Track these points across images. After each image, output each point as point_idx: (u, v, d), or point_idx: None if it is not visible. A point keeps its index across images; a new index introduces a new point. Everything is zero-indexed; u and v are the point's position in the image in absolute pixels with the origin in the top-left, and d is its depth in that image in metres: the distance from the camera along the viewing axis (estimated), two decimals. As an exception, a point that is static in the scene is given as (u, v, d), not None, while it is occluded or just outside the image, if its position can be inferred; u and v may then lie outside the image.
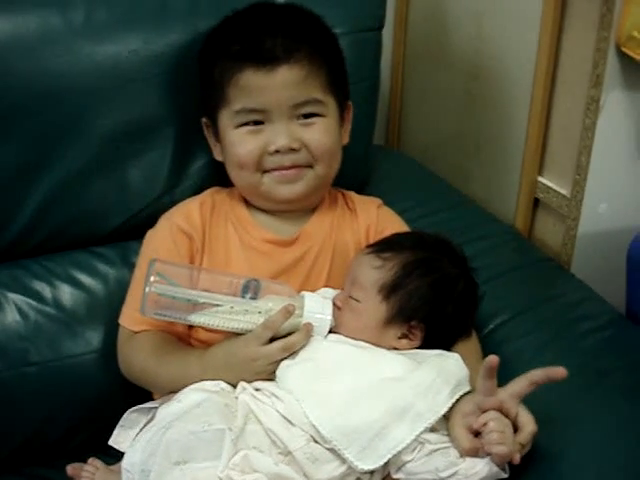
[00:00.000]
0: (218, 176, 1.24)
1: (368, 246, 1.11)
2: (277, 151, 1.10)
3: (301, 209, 1.19)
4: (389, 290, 1.03)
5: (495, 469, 0.93)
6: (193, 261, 1.15)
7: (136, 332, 1.12)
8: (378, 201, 1.27)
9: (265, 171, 1.12)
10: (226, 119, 1.12)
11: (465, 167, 1.62)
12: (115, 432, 1.12)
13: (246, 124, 1.11)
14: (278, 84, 1.08)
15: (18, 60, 1.15)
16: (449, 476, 0.94)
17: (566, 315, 1.20)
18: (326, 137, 1.12)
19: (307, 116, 1.11)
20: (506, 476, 0.95)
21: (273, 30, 1.10)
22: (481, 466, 0.93)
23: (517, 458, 0.92)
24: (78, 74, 1.18)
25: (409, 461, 0.96)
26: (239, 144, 1.12)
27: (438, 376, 0.98)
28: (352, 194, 1.27)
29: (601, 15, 1.20)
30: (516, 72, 1.42)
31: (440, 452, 0.95)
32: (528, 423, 0.94)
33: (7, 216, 1.22)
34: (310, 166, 1.13)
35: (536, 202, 1.43)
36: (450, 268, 1.06)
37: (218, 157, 1.19)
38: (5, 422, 1.20)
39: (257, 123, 1.11)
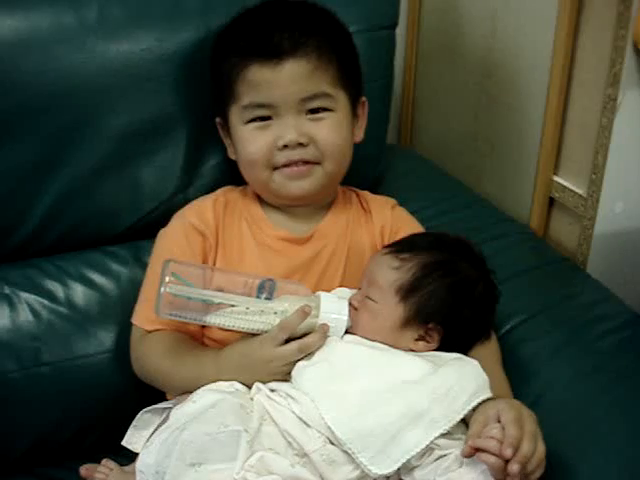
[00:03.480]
0: (231, 175, 1.23)
1: (386, 246, 1.10)
2: (285, 146, 1.09)
3: (313, 207, 1.18)
4: (407, 291, 1.02)
5: None
6: (206, 259, 1.14)
7: (149, 331, 1.11)
8: (392, 201, 1.26)
9: (275, 168, 1.12)
10: (235, 115, 1.12)
11: (479, 166, 1.61)
12: (128, 433, 1.11)
13: (254, 120, 1.10)
14: (285, 78, 1.07)
15: (31, 58, 1.15)
16: None
17: (583, 316, 1.19)
18: (335, 133, 1.11)
19: (316, 111, 1.10)
20: None
21: (281, 25, 1.09)
22: (475, 475, 0.92)
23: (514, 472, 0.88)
24: (91, 72, 1.18)
25: (417, 466, 0.95)
26: (248, 141, 1.11)
27: (456, 382, 0.96)
28: (366, 194, 1.26)
29: (618, 13, 1.19)
30: (532, 70, 1.41)
31: (446, 462, 0.94)
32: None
33: (20, 216, 1.21)
34: (319, 163, 1.12)
35: (551, 202, 1.42)
36: (469, 270, 1.05)
37: (232, 155, 1.19)
38: (17, 422, 1.20)
39: (265, 119, 1.10)
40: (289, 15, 1.12)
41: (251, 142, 1.11)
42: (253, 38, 1.09)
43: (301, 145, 1.09)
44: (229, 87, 1.11)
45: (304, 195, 1.14)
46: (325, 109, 1.11)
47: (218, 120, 1.19)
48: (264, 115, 1.10)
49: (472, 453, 0.91)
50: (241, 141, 1.12)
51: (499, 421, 0.91)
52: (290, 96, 1.08)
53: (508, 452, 0.88)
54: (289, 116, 1.09)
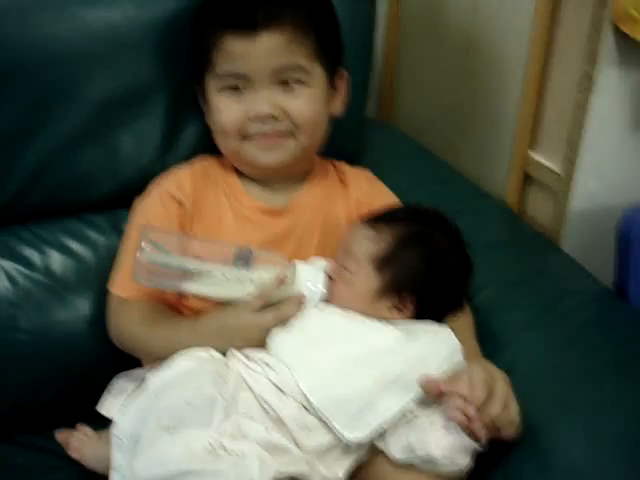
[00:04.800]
0: (210, 144, 1.23)
1: (362, 217, 1.11)
2: (257, 117, 1.09)
3: (289, 178, 1.19)
4: (382, 261, 1.03)
5: (467, 441, 0.94)
6: (183, 228, 1.15)
7: (126, 299, 1.11)
8: (368, 173, 1.27)
9: (247, 137, 1.12)
10: (211, 84, 1.13)
11: (456, 141, 1.62)
12: (102, 398, 1.13)
13: (229, 89, 1.11)
14: (258, 50, 1.07)
15: (11, 24, 1.14)
16: (423, 454, 0.95)
17: (555, 289, 1.21)
18: (309, 106, 1.11)
19: (289, 83, 1.10)
20: (481, 449, 0.96)
21: None
22: (452, 438, 0.94)
23: (477, 429, 0.92)
24: (71, 39, 1.17)
25: (389, 432, 0.97)
26: (222, 110, 1.12)
27: (428, 348, 0.99)
28: (343, 165, 1.27)
29: (598, -9, 1.20)
30: (510, 46, 1.42)
31: (416, 424, 0.96)
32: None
33: (-4, 181, 1.21)
34: (292, 134, 1.12)
35: (527, 178, 1.43)
36: (444, 242, 1.06)
37: (208, 122, 1.19)
38: (-7, 388, 1.20)
39: (238, 88, 1.10)
40: None
41: (224, 111, 1.11)
42: (229, 9, 1.10)
43: (274, 118, 1.10)
44: (205, 56, 1.12)
45: (274, 165, 1.14)
46: (299, 81, 1.10)
47: (198, 88, 1.18)
48: (237, 85, 1.10)
49: (436, 391, 0.94)
50: (215, 110, 1.13)
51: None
52: (263, 68, 1.08)
53: (470, 411, 0.91)
54: (262, 88, 1.09)
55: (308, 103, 1.11)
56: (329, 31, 1.16)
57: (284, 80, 1.09)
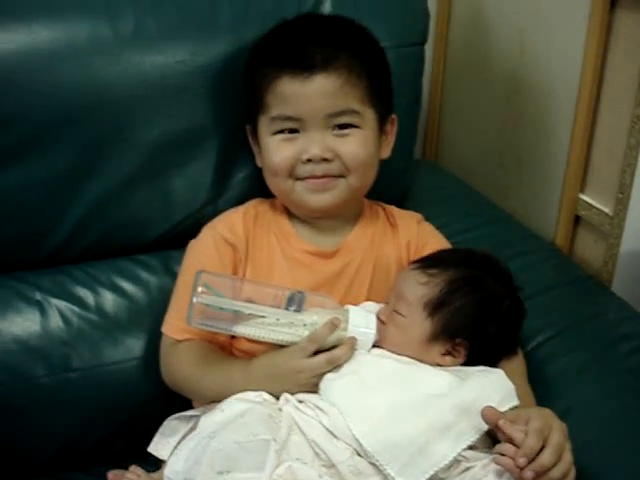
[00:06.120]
0: (260, 187, 1.24)
1: (414, 261, 1.11)
2: (309, 160, 1.10)
3: (339, 220, 1.19)
4: (434, 307, 1.03)
5: None
6: (236, 271, 1.16)
7: (179, 341, 1.12)
8: (418, 216, 1.27)
9: (298, 179, 1.13)
10: (264, 125, 1.13)
11: (504, 182, 1.61)
12: (155, 439, 1.13)
13: (282, 132, 1.12)
14: (314, 93, 1.08)
15: (67, 68, 1.17)
16: None
17: (608, 334, 1.19)
18: (360, 149, 1.12)
19: (342, 127, 1.11)
20: None
21: (314, 38, 1.10)
22: None
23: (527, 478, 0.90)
24: (126, 83, 1.20)
25: (443, 478, 0.96)
26: (274, 151, 1.12)
27: (482, 393, 0.98)
28: (393, 208, 1.27)
29: (649, 33, 1.20)
30: (560, 88, 1.42)
31: (470, 472, 0.95)
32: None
33: (52, 222, 1.23)
34: (342, 176, 1.13)
35: (577, 219, 1.43)
36: (496, 286, 1.06)
37: (259, 163, 1.20)
38: (45, 427, 1.21)
39: (293, 131, 1.11)
40: (323, 29, 1.13)
41: (276, 152, 1.12)
42: (286, 50, 1.11)
43: (325, 160, 1.10)
44: (259, 97, 1.13)
45: (324, 208, 1.14)
46: (351, 125, 1.11)
47: (248, 128, 1.20)
48: (291, 128, 1.11)
49: (494, 422, 0.92)
50: (267, 150, 1.14)
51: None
52: (317, 111, 1.09)
53: (521, 461, 0.89)
54: (316, 130, 1.10)
55: (360, 146, 1.12)
56: (381, 75, 1.17)
57: (337, 124, 1.10)
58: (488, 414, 0.93)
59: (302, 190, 1.13)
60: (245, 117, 1.20)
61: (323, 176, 1.11)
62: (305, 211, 1.17)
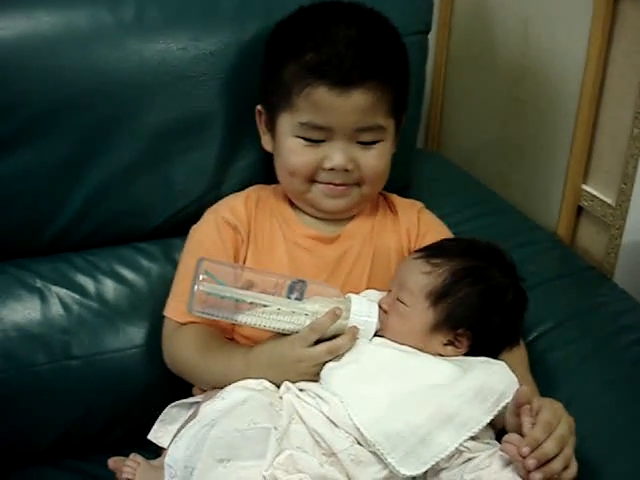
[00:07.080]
0: (263, 174, 1.24)
1: (417, 251, 1.11)
2: (332, 169, 1.11)
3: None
4: (438, 296, 1.03)
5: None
6: (238, 253, 1.16)
7: (182, 324, 1.12)
8: (419, 204, 1.27)
9: (314, 182, 1.14)
10: (287, 123, 1.12)
11: (507, 172, 1.61)
12: (155, 427, 1.13)
13: (307, 137, 1.11)
14: (349, 107, 1.08)
15: (69, 55, 1.17)
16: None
17: (609, 325, 1.19)
18: (379, 161, 1.14)
19: (366, 142, 1.12)
20: None
21: (352, 49, 1.08)
22: (504, 473, 0.93)
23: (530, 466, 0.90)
24: (127, 70, 1.19)
25: (445, 468, 0.96)
26: (295, 153, 1.12)
27: (484, 384, 0.98)
28: (394, 197, 1.27)
29: (653, 23, 1.19)
30: (563, 78, 1.42)
31: (473, 463, 0.95)
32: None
33: (53, 210, 1.23)
34: (358, 184, 1.14)
35: (579, 210, 1.42)
36: (500, 277, 1.05)
37: (266, 146, 1.20)
38: (45, 414, 1.21)
39: (318, 141, 1.11)
40: (358, 34, 1.10)
41: (297, 155, 1.12)
42: (322, 59, 1.07)
43: (346, 170, 1.11)
44: (287, 94, 1.10)
45: (337, 211, 1.17)
46: (376, 140, 1.12)
47: (259, 108, 1.19)
48: (319, 137, 1.10)
49: (524, 402, 0.93)
50: (286, 150, 1.13)
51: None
52: (348, 124, 1.09)
53: (524, 450, 0.90)
54: (342, 141, 1.10)
55: (379, 158, 1.13)
56: (405, 85, 1.18)
57: (362, 140, 1.11)
58: (523, 394, 0.94)
59: (318, 193, 1.14)
60: (257, 94, 1.18)
61: (340, 184, 1.13)
62: (316, 211, 1.18)
